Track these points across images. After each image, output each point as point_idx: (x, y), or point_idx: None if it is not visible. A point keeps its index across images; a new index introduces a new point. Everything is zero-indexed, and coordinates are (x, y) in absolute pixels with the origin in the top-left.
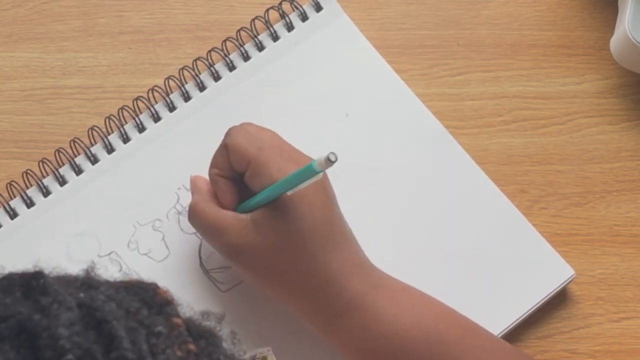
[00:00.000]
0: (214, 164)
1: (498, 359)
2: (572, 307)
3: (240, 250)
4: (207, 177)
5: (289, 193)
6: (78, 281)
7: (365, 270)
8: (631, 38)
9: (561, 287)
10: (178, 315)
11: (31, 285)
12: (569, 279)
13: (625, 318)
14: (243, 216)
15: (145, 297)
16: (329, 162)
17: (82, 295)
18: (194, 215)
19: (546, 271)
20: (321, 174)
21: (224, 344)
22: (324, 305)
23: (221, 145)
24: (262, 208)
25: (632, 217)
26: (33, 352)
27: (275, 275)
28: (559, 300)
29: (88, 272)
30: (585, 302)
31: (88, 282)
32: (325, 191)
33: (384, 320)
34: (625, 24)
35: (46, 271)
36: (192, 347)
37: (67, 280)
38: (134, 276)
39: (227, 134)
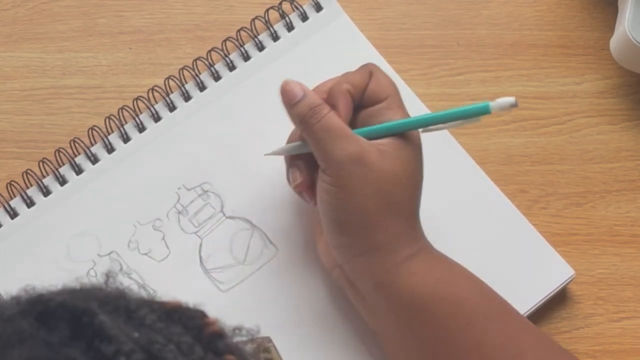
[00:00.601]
0: (348, 80)
1: (540, 343)
2: (572, 307)
3: (364, 161)
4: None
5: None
6: (119, 304)
7: (427, 243)
8: (631, 38)
9: (561, 287)
10: (231, 351)
11: (81, 322)
12: (569, 279)
13: (625, 318)
14: (365, 139)
15: (193, 327)
16: (508, 105)
17: (136, 335)
18: (320, 114)
19: (546, 271)
20: (479, 118)
21: None
22: (404, 244)
23: (363, 69)
24: (392, 139)
25: (632, 217)
26: None
27: (380, 200)
28: (559, 300)
29: (108, 281)
30: (585, 302)
31: (126, 305)
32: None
33: (447, 269)
34: (625, 24)
35: (62, 286)
36: None
37: (105, 304)
38: (134, 277)
39: (369, 65)
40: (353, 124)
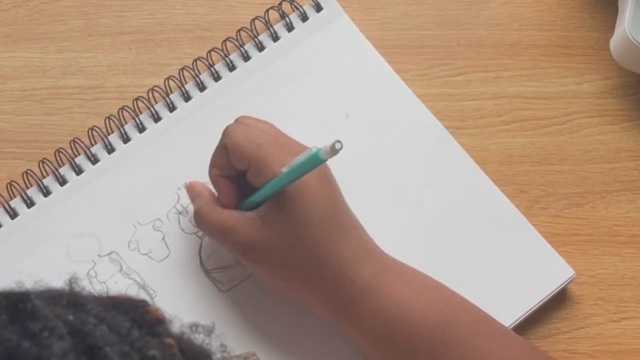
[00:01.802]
0: (213, 164)
1: (507, 346)
2: (572, 307)
3: (250, 247)
4: (200, 180)
5: (291, 184)
6: (64, 298)
7: (375, 255)
8: (631, 38)
9: (561, 287)
10: (170, 335)
11: (17, 308)
12: (569, 279)
13: (625, 318)
14: (249, 214)
15: (135, 315)
16: (335, 150)
17: (71, 317)
18: (200, 220)
19: (546, 271)
20: (324, 162)
21: None
22: (337, 292)
23: (219, 145)
24: (268, 203)
25: (632, 217)
26: None
27: (286, 269)
28: (559, 300)
29: (71, 285)
30: (585, 302)
31: (75, 299)
32: (328, 179)
33: (397, 303)
34: (625, 24)
35: (30, 288)
36: None
37: (53, 299)
38: (134, 277)
39: (225, 134)
40: (247, 188)
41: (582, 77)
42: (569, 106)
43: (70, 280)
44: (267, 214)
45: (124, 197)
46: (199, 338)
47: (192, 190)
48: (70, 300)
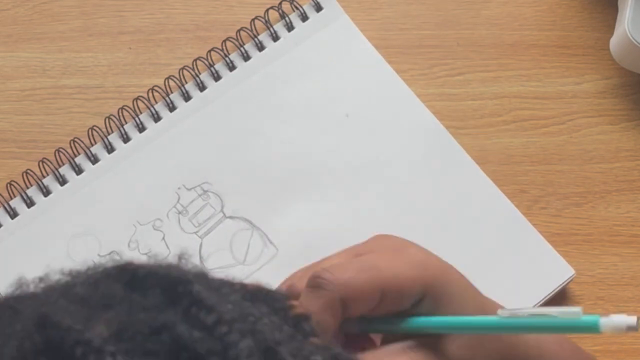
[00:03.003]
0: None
1: None
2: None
3: None
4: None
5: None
6: (204, 281)
7: None
8: (631, 38)
9: (561, 286)
10: (317, 334)
11: (176, 290)
12: (569, 278)
13: None
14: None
15: (278, 308)
16: (631, 328)
17: (230, 307)
18: None
19: (546, 271)
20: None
21: None
22: None
23: (367, 288)
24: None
25: (632, 217)
26: None
27: None
28: (559, 300)
29: (181, 262)
30: (585, 302)
31: (207, 283)
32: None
33: None
34: (625, 24)
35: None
36: None
37: (204, 283)
38: None
39: (372, 273)
40: None
41: (582, 77)
42: (569, 106)
43: (180, 256)
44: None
45: (124, 196)
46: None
47: None
48: (209, 283)
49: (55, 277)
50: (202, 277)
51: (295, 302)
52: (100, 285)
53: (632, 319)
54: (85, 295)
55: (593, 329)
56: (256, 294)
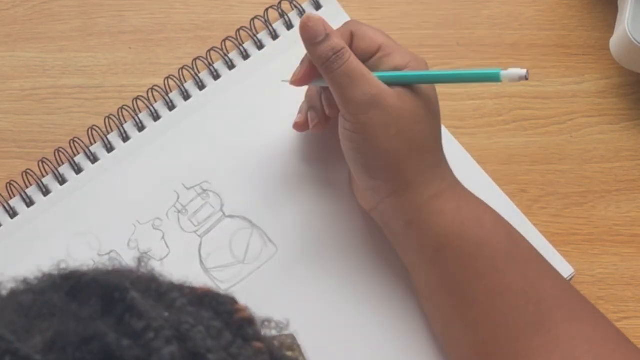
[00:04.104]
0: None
1: (559, 280)
2: None
3: (384, 104)
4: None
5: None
6: (152, 287)
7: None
8: (631, 38)
9: None
10: (260, 339)
11: (113, 298)
12: (568, 277)
13: (625, 318)
14: (383, 84)
15: (223, 312)
16: (520, 77)
17: (166, 314)
18: (344, 56)
19: None
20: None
21: None
22: (429, 180)
23: (343, 31)
24: (405, 87)
25: (632, 217)
26: None
27: (400, 134)
28: None
29: (140, 265)
30: None
31: (158, 287)
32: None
33: (472, 208)
34: (625, 24)
35: (97, 266)
36: None
37: (144, 288)
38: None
39: (349, 24)
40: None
41: (582, 77)
42: (569, 106)
43: (139, 260)
44: (403, 90)
45: (124, 196)
46: (290, 352)
47: (328, 26)
48: (152, 287)
49: (9, 285)
50: (148, 282)
51: (240, 306)
52: (44, 295)
53: (523, 71)
54: (28, 305)
55: (495, 77)
56: (203, 299)
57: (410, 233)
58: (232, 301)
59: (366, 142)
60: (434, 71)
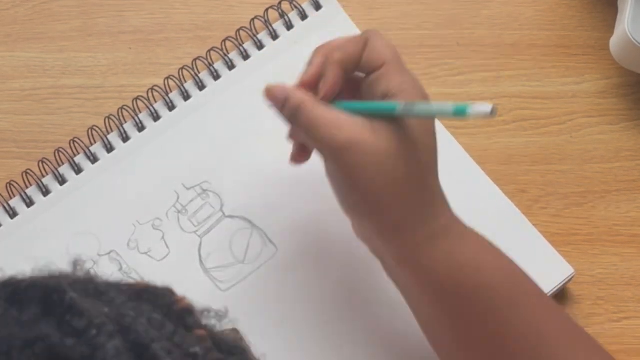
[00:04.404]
0: (339, 49)
1: (562, 318)
2: (572, 307)
3: (355, 146)
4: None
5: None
6: (89, 287)
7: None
8: (631, 38)
9: (561, 285)
10: (201, 326)
11: (52, 299)
12: (568, 277)
13: (625, 318)
14: (357, 117)
15: (162, 305)
16: (487, 114)
17: (106, 310)
18: (304, 111)
19: (546, 270)
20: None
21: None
22: (420, 223)
23: (360, 37)
24: (384, 119)
25: (632, 217)
26: None
27: (382, 179)
28: (559, 300)
29: (76, 268)
30: (585, 302)
31: (95, 287)
32: (435, 133)
33: (471, 251)
34: (625, 24)
35: (33, 272)
36: None
37: (81, 288)
38: (134, 276)
39: (369, 32)
40: (359, 93)
41: (582, 77)
42: (569, 106)
43: (74, 264)
44: (380, 124)
45: (124, 196)
46: (235, 337)
47: (284, 89)
48: (90, 287)
49: None
50: (85, 283)
51: (179, 297)
52: None
53: (488, 107)
54: None
55: (463, 111)
56: (141, 294)
57: (403, 271)
58: (170, 292)
59: (346, 184)
60: (395, 103)
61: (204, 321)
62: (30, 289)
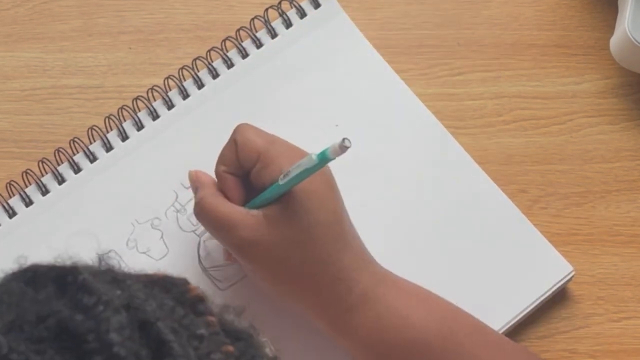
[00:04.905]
0: (221, 161)
1: (507, 354)
2: (572, 306)
3: (253, 245)
4: (207, 172)
5: (298, 186)
6: (107, 274)
7: (372, 266)
8: (631, 38)
9: (561, 285)
10: (212, 314)
11: (66, 281)
12: (569, 277)
13: (625, 318)
14: (254, 211)
15: (176, 293)
16: (344, 147)
17: (119, 292)
18: (203, 210)
19: (546, 269)
20: (332, 161)
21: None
22: (335, 299)
23: (229, 141)
24: (274, 203)
25: (632, 217)
26: (79, 357)
27: (287, 270)
28: (559, 300)
29: (101, 262)
30: (585, 302)
31: (113, 275)
32: (333, 186)
33: (396, 312)
34: (625, 24)
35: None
36: (230, 348)
37: (96, 274)
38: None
39: (236, 130)
40: (251, 192)
41: (582, 77)
42: (569, 106)
43: (99, 258)
44: (273, 212)
45: (123, 195)
46: (244, 325)
47: (196, 180)
48: (108, 275)
49: None
50: (104, 272)
51: (193, 286)
52: (5, 285)
53: (344, 139)
54: None
55: (326, 158)
56: (157, 282)
57: (336, 340)
58: (185, 282)
59: (255, 275)
60: (276, 184)
61: (225, 316)
62: (48, 272)
